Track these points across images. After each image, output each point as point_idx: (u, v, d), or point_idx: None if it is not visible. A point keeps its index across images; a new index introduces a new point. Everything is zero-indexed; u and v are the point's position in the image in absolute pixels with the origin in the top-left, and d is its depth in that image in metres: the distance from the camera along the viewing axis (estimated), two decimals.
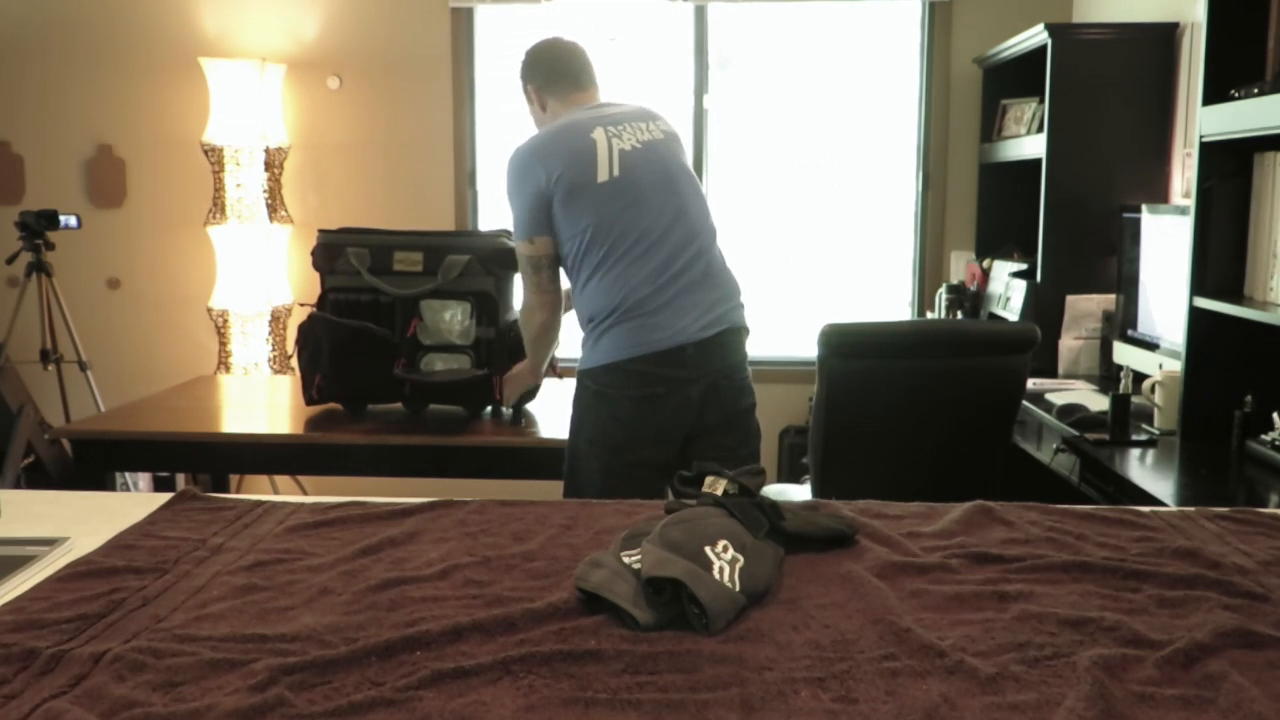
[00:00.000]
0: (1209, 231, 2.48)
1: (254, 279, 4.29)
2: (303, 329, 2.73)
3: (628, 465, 2.29)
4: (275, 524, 1.57)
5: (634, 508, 1.66)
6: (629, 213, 2.27)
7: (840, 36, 4.37)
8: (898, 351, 2.55)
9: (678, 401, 2.27)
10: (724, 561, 1.27)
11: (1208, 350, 2.50)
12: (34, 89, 4.45)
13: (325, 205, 4.44)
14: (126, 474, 4.03)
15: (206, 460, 2.85)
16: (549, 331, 2.48)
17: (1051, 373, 3.41)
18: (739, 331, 2.36)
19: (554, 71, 2.45)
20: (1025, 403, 2.86)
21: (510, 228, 2.42)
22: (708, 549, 1.28)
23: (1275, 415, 2.33)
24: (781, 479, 4.23)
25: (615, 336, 2.26)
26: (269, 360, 4.36)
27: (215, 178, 4.23)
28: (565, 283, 2.43)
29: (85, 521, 1.61)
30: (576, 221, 2.27)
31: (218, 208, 4.24)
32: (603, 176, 2.27)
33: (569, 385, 2.46)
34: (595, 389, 2.30)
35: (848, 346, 2.53)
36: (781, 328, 4.42)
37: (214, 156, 4.22)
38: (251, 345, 4.34)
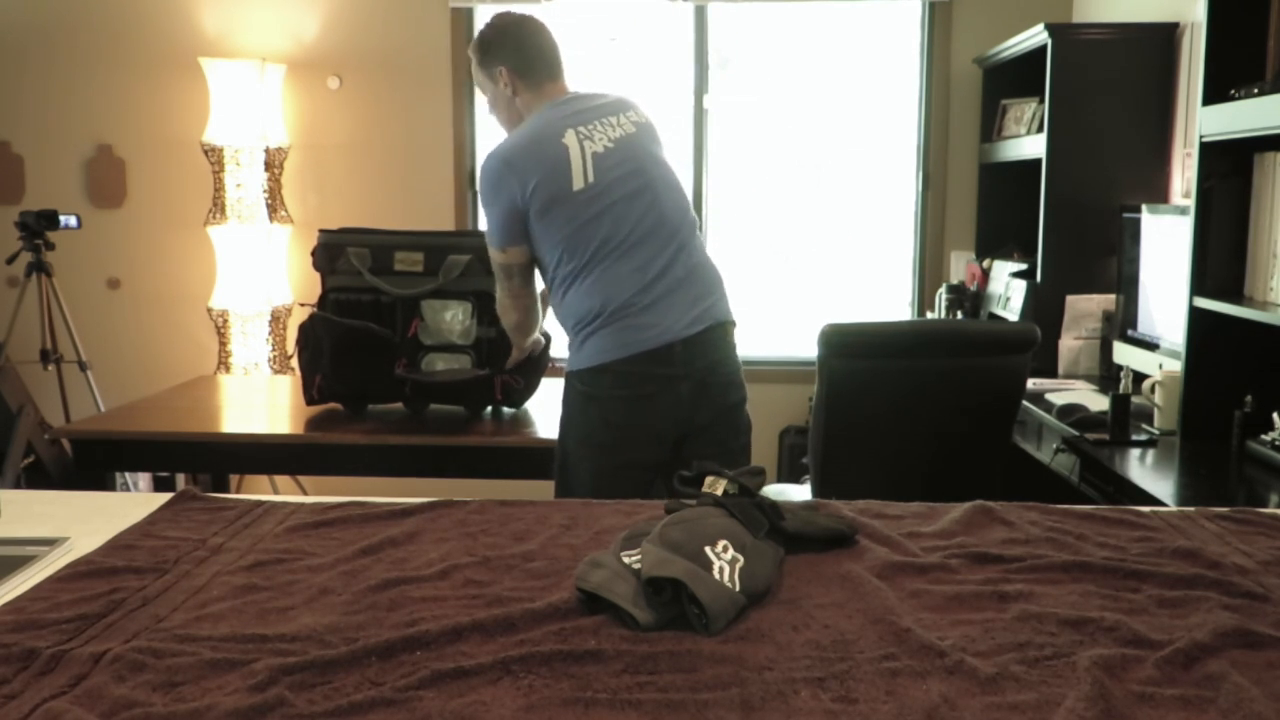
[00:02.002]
0: (1209, 231, 2.48)
1: (254, 279, 4.29)
2: (303, 329, 2.73)
3: (618, 466, 2.27)
4: (275, 524, 1.57)
5: (634, 508, 1.66)
6: (606, 217, 2.23)
7: (840, 36, 4.37)
8: (898, 351, 2.55)
9: (669, 400, 2.24)
10: (724, 561, 1.27)
11: (1208, 350, 2.50)
12: (34, 89, 4.45)
13: (325, 205, 4.44)
14: (126, 474, 4.03)
15: (206, 460, 2.85)
16: (525, 326, 2.55)
17: (1051, 373, 3.41)
18: (725, 326, 2.32)
19: (529, 57, 2.34)
20: (1025, 403, 2.86)
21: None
22: (708, 549, 1.28)
23: (1275, 415, 2.33)
24: (781, 479, 4.23)
25: (602, 339, 2.24)
26: (269, 360, 4.36)
27: (215, 178, 4.23)
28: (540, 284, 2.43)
29: (85, 521, 1.60)
30: (554, 232, 2.24)
31: (218, 208, 4.24)
32: (578, 184, 2.22)
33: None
34: (583, 390, 2.27)
35: (848, 346, 2.53)
36: (781, 328, 4.42)
37: (214, 156, 4.22)
38: (251, 345, 4.34)
